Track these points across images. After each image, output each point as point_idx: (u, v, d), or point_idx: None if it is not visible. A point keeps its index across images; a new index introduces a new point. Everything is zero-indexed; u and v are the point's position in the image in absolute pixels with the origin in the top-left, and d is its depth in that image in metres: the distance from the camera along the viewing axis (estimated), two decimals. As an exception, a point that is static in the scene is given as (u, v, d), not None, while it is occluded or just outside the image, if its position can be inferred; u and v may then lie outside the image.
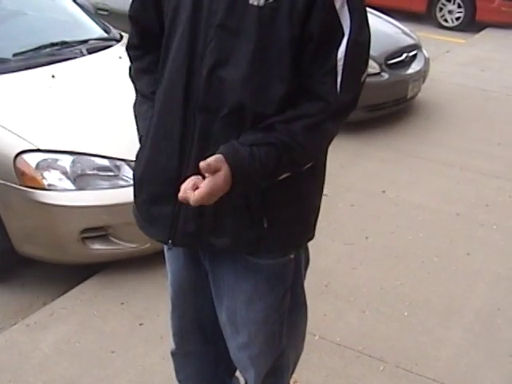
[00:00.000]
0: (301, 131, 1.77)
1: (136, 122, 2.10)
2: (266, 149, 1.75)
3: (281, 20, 1.74)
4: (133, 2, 2.09)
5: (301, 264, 2.14)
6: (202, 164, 1.67)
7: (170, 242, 2.00)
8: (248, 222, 1.91)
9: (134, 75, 2.16)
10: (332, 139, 1.91)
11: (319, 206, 2.10)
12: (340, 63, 1.75)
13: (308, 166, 1.88)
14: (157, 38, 2.02)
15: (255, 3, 1.75)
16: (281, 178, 1.83)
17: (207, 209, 1.84)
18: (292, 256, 2.05)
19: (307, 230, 2.09)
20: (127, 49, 2.19)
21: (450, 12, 12.08)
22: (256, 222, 1.91)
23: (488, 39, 11.30)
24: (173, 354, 2.46)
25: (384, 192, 5.20)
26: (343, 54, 1.74)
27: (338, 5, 1.73)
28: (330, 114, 1.80)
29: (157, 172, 1.97)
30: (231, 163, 1.71)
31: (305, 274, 2.23)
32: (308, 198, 2.04)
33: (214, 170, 1.69)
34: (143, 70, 2.12)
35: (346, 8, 1.74)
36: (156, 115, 1.97)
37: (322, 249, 4.07)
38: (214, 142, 1.81)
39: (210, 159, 1.69)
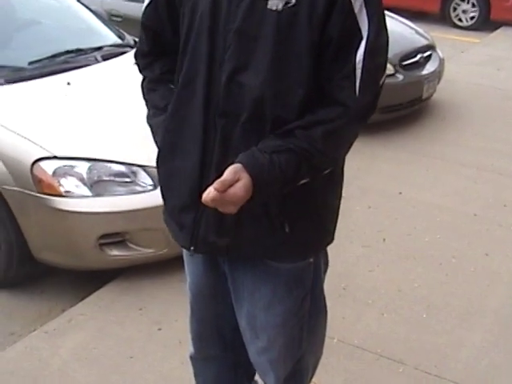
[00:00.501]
0: (320, 138, 1.76)
1: (153, 134, 2.09)
2: (285, 156, 1.75)
3: (300, 25, 1.73)
4: (146, 8, 2.07)
5: (320, 268, 2.14)
6: (216, 186, 1.66)
7: (191, 248, 2.00)
8: (268, 229, 1.91)
9: (147, 87, 2.13)
10: (352, 144, 1.91)
11: (338, 210, 2.10)
12: (359, 66, 1.74)
13: (328, 170, 1.88)
14: (168, 46, 2.03)
15: (274, 8, 1.74)
16: (300, 183, 1.83)
17: (227, 218, 1.84)
18: (311, 260, 2.05)
19: (327, 233, 2.09)
20: (136, 57, 2.17)
21: (464, 11, 12.03)
22: (277, 228, 1.91)
23: (503, 38, 11.23)
24: (192, 358, 2.46)
25: (401, 193, 5.18)
26: (362, 57, 1.74)
27: (356, 8, 1.72)
28: (349, 118, 1.79)
29: (179, 182, 1.96)
30: (251, 172, 1.71)
31: (324, 278, 2.22)
32: (327, 202, 2.04)
33: (231, 184, 1.68)
34: (155, 81, 2.10)
35: (364, 11, 1.73)
36: (174, 123, 1.96)
37: (340, 251, 4.07)
38: (235, 149, 1.81)
39: (225, 175, 1.68)
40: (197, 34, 1.87)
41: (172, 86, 2.01)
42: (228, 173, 1.69)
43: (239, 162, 1.72)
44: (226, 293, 2.15)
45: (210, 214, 1.87)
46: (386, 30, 1.82)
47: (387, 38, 1.82)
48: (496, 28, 11.76)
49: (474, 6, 11.92)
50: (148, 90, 2.12)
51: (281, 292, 2.05)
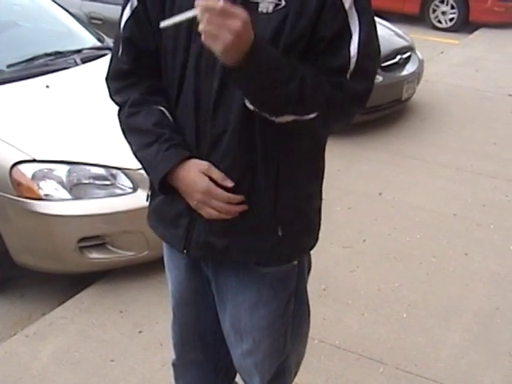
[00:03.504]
0: (323, 81, 1.73)
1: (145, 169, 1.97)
2: (289, 62, 1.69)
3: (291, 25, 1.72)
4: (126, 22, 1.96)
5: (304, 270, 2.13)
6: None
7: (184, 251, 1.98)
8: (262, 233, 1.91)
9: (128, 113, 1.96)
10: (345, 121, 1.87)
11: (320, 210, 2.11)
12: (353, 60, 1.73)
13: (311, 115, 1.74)
14: (151, 65, 1.95)
15: (264, 11, 1.74)
16: (284, 118, 1.73)
17: (219, 226, 1.86)
18: (295, 262, 2.05)
19: (314, 234, 2.09)
20: (110, 78, 2.03)
21: (444, 13, 12.11)
22: (270, 232, 1.91)
23: (482, 39, 11.32)
24: (174, 364, 2.45)
25: (381, 194, 5.21)
26: (356, 52, 1.72)
27: (347, 5, 1.71)
28: (344, 95, 1.76)
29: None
30: (256, 37, 1.58)
31: (307, 279, 2.23)
32: (314, 203, 2.04)
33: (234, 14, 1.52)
34: (137, 104, 1.95)
35: (353, 9, 1.73)
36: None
37: (320, 252, 4.04)
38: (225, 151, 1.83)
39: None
40: (183, 44, 1.84)
41: (159, 107, 1.91)
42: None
43: None
44: (208, 296, 2.14)
45: (202, 222, 1.88)
46: (376, 28, 1.81)
47: (377, 36, 1.81)
48: (475, 29, 11.87)
49: (452, 7, 12.00)
50: (130, 114, 1.95)
51: (266, 295, 2.04)
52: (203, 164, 1.83)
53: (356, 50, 1.73)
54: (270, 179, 1.86)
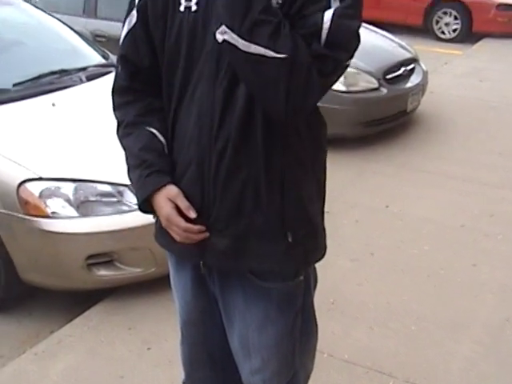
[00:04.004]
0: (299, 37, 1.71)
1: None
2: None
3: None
4: (124, 39, 2.03)
5: (310, 285, 2.14)
6: None
7: (201, 263, 2.01)
8: (272, 239, 1.93)
9: (123, 133, 2.06)
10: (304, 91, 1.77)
11: (323, 214, 2.12)
12: (326, 26, 1.70)
13: (279, 56, 1.68)
14: (147, 82, 2.01)
15: None
16: (252, 47, 1.69)
17: (231, 235, 1.91)
18: (302, 278, 2.05)
19: (322, 242, 2.10)
20: (113, 92, 2.11)
21: (447, 24, 12.13)
22: (280, 238, 1.93)
23: (485, 50, 11.33)
24: (184, 383, 2.45)
25: (387, 207, 5.20)
26: (329, 21, 1.70)
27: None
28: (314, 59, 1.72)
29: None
30: None
31: (314, 294, 2.23)
32: (317, 209, 2.05)
33: None
34: (130, 125, 2.03)
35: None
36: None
37: (328, 266, 4.03)
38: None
39: None
40: (181, 61, 1.89)
41: (149, 128, 1.99)
42: None
43: None
44: (215, 315, 2.14)
45: (218, 222, 1.91)
46: (360, 20, 1.80)
47: (359, 26, 1.79)
48: (478, 40, 11.87)
49: (456, 18, 12.02)
50: (123, 135, 2.06)
51: (273, 313, 2.04)
52: (173, 191, 1.93)
53: (330, 20, 1.70)
54: (275, 187, 1.89)
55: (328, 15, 1.70)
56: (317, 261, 2.12)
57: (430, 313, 3.86)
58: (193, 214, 1.90)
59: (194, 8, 1.84)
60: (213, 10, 1.78)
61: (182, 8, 1.86)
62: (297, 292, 2.06)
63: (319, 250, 2.09)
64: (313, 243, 2.04)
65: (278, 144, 1.86)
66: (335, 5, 1.72)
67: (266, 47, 1.68)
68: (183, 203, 1.91)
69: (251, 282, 2.00)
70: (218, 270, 2.03)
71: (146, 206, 1.99)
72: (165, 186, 1.93)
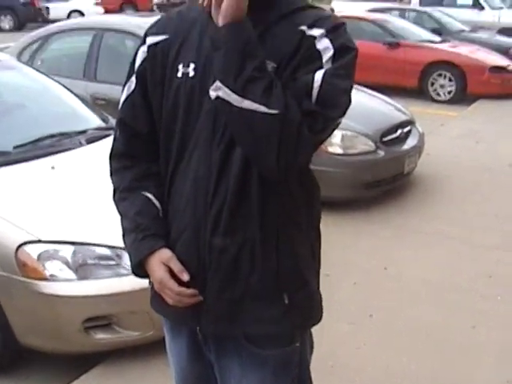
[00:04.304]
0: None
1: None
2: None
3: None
4: (122, 105, 2.08)
5: (306, 351, 2.13)
6: None
7: (198, 328, 2.02)
8: (268, 302, 1.93)
9: (118, 198, 2.10)
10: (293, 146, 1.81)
11: (319, 274, 2.12)
12: (316, 85, 1.77)
13: (271, 112, 1.74)
14: (144, 145, 2.05)
15: None
16: (245, 102, 1.75)
17: (225, 295, 1.91)
18: (298, 344, 2.04)
19: (318, 304, 2.10)
20: (111, 157, 2.15)
21: (442, 86, 12.30)
22: (276, 300, 1.94)
23: (480, 111, 11.47)
24: None
25: (386, 269, 5.20)
26: (320, 80, 1.77)
27: (320, 46, 1.80)
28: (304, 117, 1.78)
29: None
30: None
31: (310, 360, 2.22)
32: (314, 271, 2.06)
33: None
34: (126, 190, 2.07)
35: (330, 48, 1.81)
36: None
37: (326, 329, 4.02)
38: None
39: None
40: (183, 118, 1.93)
41: (145, 193, 2.03)
42: None
43: None
44: (211, 380, 2.14)
45: (214, 286, 1.92)
46: (352, 80, 1.86)
47: (351, 87, 1.86)
48: (473, 101, 12.02)
49: (450, 80, 12.19)
50: (119, 200, 2.10)
51: (269, 380, 2.03)
52: (166, 254, 1.94)
53: (320, 80, 1.77)
54: (270, 247, 1.91)
55: (319, 75, 1.77)
56: (313, 324, 2.12)
57: (430, 374, 3.84)
58: (186, 277, 1.91)
59: (191, 74, 1.90)
60: (210, 76, 1.83)
61: (179, 74, 1.92)
62: (293, 358, 2.05)
63: (316, 314, 2.09)
64: (309, 307, 2.04)
65: (273, 204, 1.89)
66: (327, 66, 1.78)
67: (258, 103, 1.73)
68: (176, 266, 1.92)
69: (247, 349, 2.00)
70: (214, 336, 2.03)
71: (139, 269, 2.00)
72: (158, 249, 1.95)
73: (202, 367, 2.13)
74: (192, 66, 1.90)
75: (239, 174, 1.85)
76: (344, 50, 1.83)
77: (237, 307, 1.94)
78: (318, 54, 1.80)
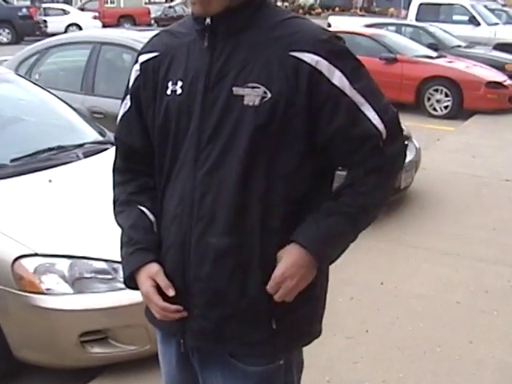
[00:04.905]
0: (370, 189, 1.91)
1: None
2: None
3: (282, 113, 1.80)
4: (118, 123, 2.13)
5: (291, 369, 2.09)
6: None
7: (181, 341, 2.02)
8: (256, 326, 1.92)
9: (117, 211, 2.14)
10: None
11: (325, 303, 2.12)
12: (381, 127, 1.88)
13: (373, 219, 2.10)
14: (143, 160, 2.08)
15: (250, 104, 1.80)
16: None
17: (213, 315, 1.91)
18: (281, 362, 2.01)
19: (315, 328, 2.09)
20: (113, 171, 2.20)
21: (438, 101, 12.34)
22: (264, 325, 1.92)
23: (476, 126, 11.51)
24: None
25: (382, 283, 5.19)
26: (378, 118, 1.86)
27: (336, 81, 1.81)
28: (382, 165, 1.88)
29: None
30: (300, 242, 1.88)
31: (299, 379, 2.20)
32: (315, 294, 2.05)
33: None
34: (124, 203, 2.10)
35: (353, 89, 1.83)
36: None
37: (323, 344, 4.01)
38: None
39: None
40: (173, 136, 1.94)
41: (140, 207, 2.05)
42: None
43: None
44: None
45: (200, 304, 1.93)
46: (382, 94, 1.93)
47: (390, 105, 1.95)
48: (469, 116, 12.07)
49: (447, 95, 12.23)
50: (117, 213, 2.14)
51: None
52: (153, 269, 1.97)
53: (377, 117, 1.84)
54: (263, 272, 1.89)
55: (373, 115, 1.89)
56: (304, 345, 2.11)
57: (427, 391, 3.83)
58: (171, 293, 1.92)
59: (179, 91, 1.92)
60: (197, 95, 1.86)
61: (168, 91, 1.94)
62: (276, 375, 2.02)
63: (306, 337, 2.07)
64: (298, 331, 2.02)
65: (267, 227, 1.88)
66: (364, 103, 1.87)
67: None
68: (163, 281, 1.94)
69: (230, 364, 1.99)
70: (198, 349, 2.04)
71: (131, 282, 2.04)
72: (148, 263, 1.97)
73: (190, 376, 2.13)
74: (180, 83, 1.92)
75: (224, 195, 1.86)
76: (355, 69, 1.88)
77: (222, 327, 1.94)
78: (340, 92, 1.82)
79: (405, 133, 6.70)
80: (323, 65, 1.80)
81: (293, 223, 1.89)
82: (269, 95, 1.79)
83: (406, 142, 1.98)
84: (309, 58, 1.79)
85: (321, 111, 1.81)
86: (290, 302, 1.91)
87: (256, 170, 1.83)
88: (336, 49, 1.85)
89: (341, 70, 1.81)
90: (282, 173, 1.84)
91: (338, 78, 1.81)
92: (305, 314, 2.03)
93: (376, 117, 1.85)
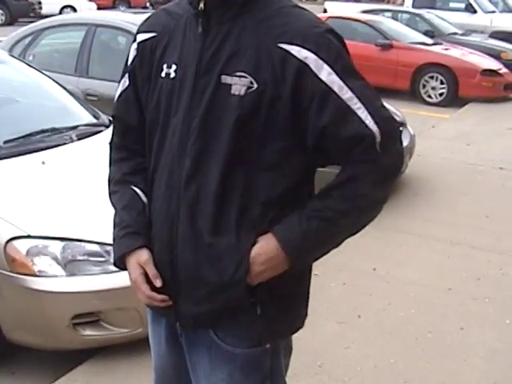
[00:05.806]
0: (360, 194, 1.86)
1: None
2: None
3: (267, 106, 1.77)
4: (117, 99, 2.13)
5: (278, 352, 2.07)
6: None
7: (178, 324, 2.03)
8: (241, 311, 1.92)
9: (111, 191, 2.14)
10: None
11: (308, 294, 2.11)
12: (375, 129, 1.79)
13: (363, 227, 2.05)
14: (139, 140, 2.07)
15: (236, 93, 1.78)
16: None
17: (196, 295, 1.91)
18: (268, 346, 2.00)
19: (299, 318, 2.08)
20: (110, 148, 2.20)
21: (433, 88, 12.34)
22: (248, 309, 1.91)
23: (471, 113, 11.51)
24: None
25: (375, 269, 5.20)
26: (372, 120, 1.78)
27: (323, 76, 1.75)
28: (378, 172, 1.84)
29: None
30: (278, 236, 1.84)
31: (287, 363, 2.19)
32: (300, 285, 2.04)
33: None
34: (118, 183, 2.11)
35: (343, 87, 1.77)
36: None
37: (315, 328, 4.05)
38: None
39: None
40: (161, 122, 1.94)
41: (134, 188, 2.05)
42: None
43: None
44: (187, 369, 2.13)
45: (185, 288, 1.92)
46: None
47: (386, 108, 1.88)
48: (464, 104, 12.07)
49: (442, 83, 12.23)
50: (111, 192, 2.14)
51: (237, 377, 2.01)
52: (143, 257, 1.96)
53: (370, 117, 1.78)
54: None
55: (365, 115, 1.81)
56: (291, 333, 2.11)
57: (418, 376, 3.84)
58: (159, 283, 1.93)
59: (172, 75, 1.91)
60: (188, 80, 1.85)
61: (163, 74, 1.94)
62: (263, 358, 2.02)
63: (289, 324, 2.06)
64: (282, 318, 2.00)
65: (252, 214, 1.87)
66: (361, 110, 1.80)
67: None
68: (151, 271, 1.94)
69: (216, 345, 1.99)
70: (185, 329, 2.05)
71: (120, 263, 2.03)
72: (137, 249, 1.97)
73: (178, 356, 2.12)
74: (174, 67, 1.91)
75: (211, 182, 1.84)
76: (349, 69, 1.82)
77: (210, 314, 1.94)
78: (328, 88, 1.76)
79: (400, 119, 6.71)
80: (311, 59, 1.74)
81: (274, 217, 1.86)
82: (255, 86, 1.76)
83: (403, 146, 1.93)
84: (297, 51, 1.74)
85: (308, 107, 1.76)
86: (275, 287, 1.90)
87: (239, 161, 1.81)
88: (328, 43, 1.77)
89: (330, 66, 1.74)
90: (266, 165, 1.81)
91: (326, 74, 1.74)
92: (290, 300, 2.02)
93: (369, 117, 1.77)
